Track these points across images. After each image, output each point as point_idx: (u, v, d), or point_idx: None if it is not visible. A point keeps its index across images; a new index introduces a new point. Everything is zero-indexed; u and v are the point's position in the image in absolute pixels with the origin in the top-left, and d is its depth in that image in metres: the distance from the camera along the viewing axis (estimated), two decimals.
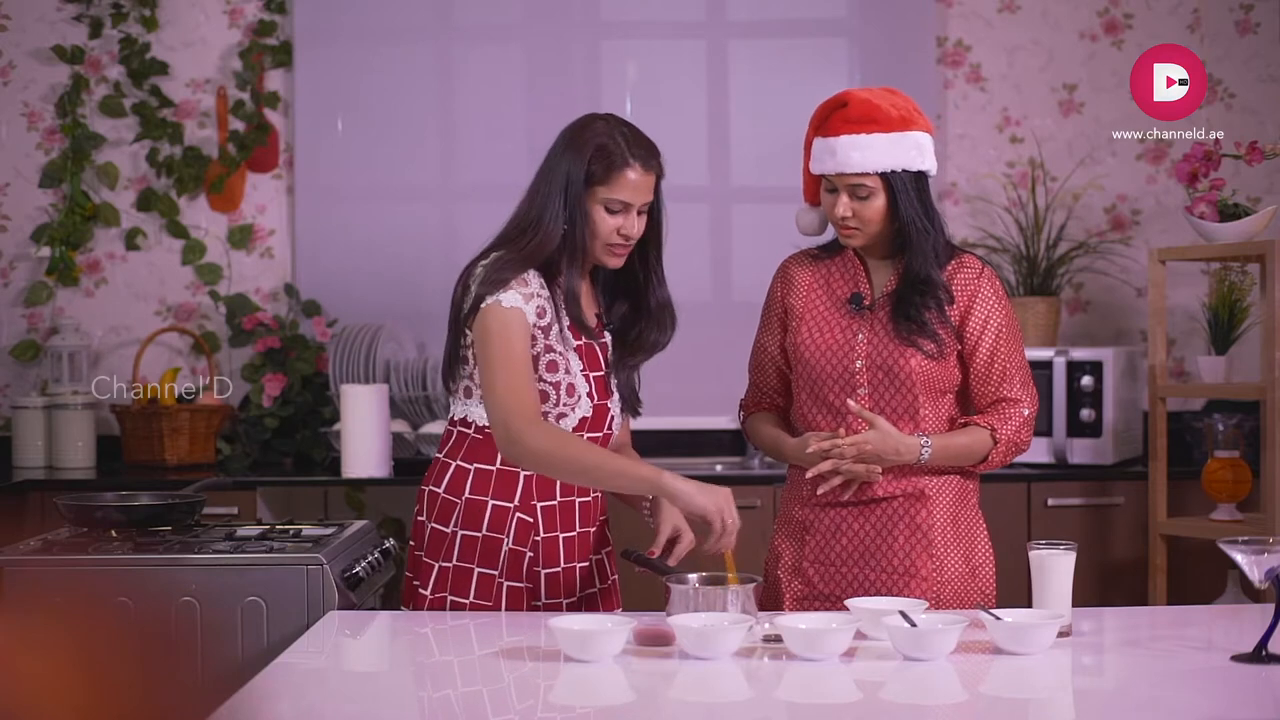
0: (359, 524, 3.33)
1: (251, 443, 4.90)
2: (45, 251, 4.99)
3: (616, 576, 2.98)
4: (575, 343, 2.83)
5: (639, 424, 3.13)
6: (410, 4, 5.06)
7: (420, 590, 2.83)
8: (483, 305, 2.77)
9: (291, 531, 3.19)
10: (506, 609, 2.80)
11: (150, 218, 5.07)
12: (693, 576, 2.60)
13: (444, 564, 2.81)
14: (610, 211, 2.78)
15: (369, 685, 2.42)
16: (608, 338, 2.91)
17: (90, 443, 4.82)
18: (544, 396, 2.80)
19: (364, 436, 4.47)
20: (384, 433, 4.52)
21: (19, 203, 5.06)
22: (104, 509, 3.18)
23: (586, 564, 2.88)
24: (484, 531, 2.80)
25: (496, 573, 2.80)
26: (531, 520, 2.81)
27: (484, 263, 2.80)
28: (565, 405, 2.81)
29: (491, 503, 2.81)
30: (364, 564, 3.06)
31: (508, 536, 2.80)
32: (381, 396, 4.52)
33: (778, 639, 2.44)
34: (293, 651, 2.52)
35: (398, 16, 5.05)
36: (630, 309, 2.93)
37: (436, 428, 4.60)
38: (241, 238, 5.06)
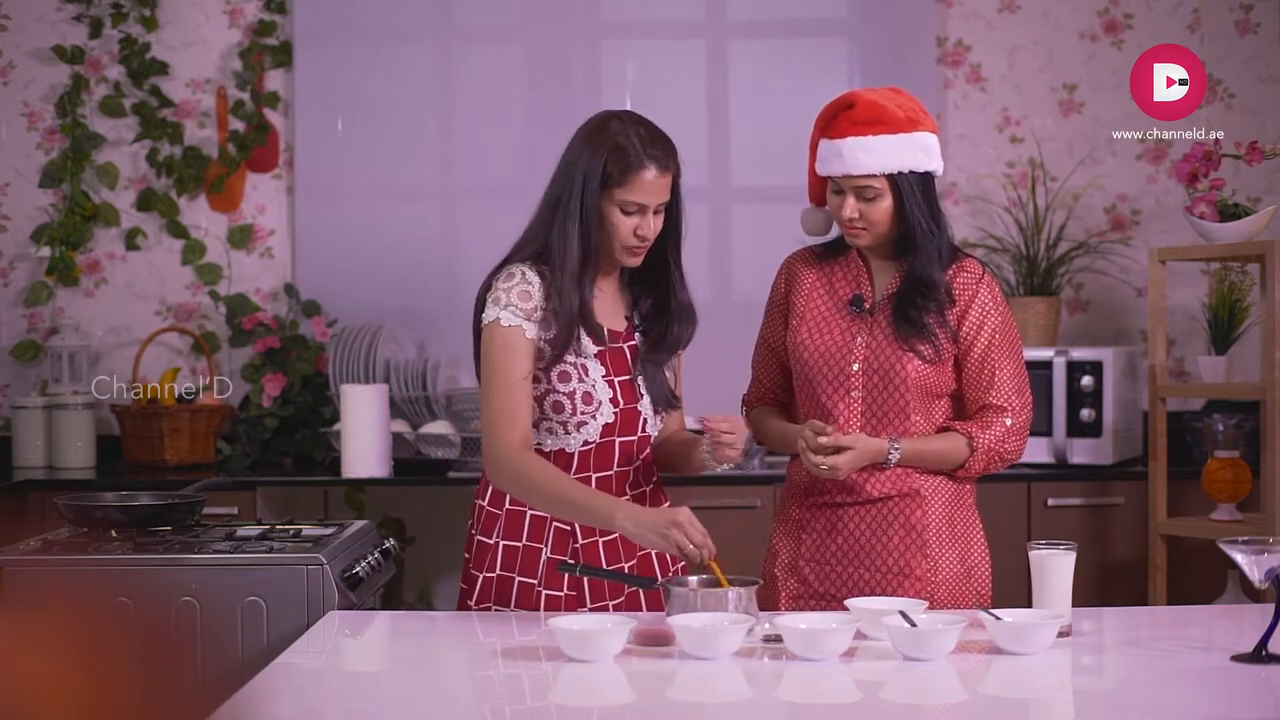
0: (359, 524, 3.33)
1: (251, 443, 4.90)
2: (45, 251, 4.99)
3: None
4: (596, 349, 2.80)
5: None
6: (410, 4, 5.06)
7: (468, 601, 2.85)
8: (484, 323, 2.77)
9: (291, 531, 3.18)
10: None
11: (150, 218, 5.07)
12: (693, 579, 2.60)
13: (488, 574, 2.83)
14: (627, 213, 2.74)
15: (369, 685, 2.42)
16: (636, 339, 2.87)
17: (90, 443, 4.82)
18: (558, 407, 2.78)
19: (364, 436, 4.47)
20: (384, 433, 4.52)
21: (19, 203, 5.06)
22: (104, 509, 3.18)
23: (634, 563, 2.85)
24: (524, 541, 2.81)
25: (536, 582, 2.80)
26: (568, 528, 2.80)
27: (497, 275, 2.79)
28: (584, 414, 2.78)
29: (530, 513, 2.80)
30: (364, 564, 3.06)
31: (546, 545, 2.80)
32: (381, 396, 4.52)
33: (778, 639, 2.44)
34: (293, 651, 2.52)
35: (398, 16, 5.05)
36: (654, 306, 2.88)
37: (436, 428, 4.60)
38: (241, 238, 5.06)
